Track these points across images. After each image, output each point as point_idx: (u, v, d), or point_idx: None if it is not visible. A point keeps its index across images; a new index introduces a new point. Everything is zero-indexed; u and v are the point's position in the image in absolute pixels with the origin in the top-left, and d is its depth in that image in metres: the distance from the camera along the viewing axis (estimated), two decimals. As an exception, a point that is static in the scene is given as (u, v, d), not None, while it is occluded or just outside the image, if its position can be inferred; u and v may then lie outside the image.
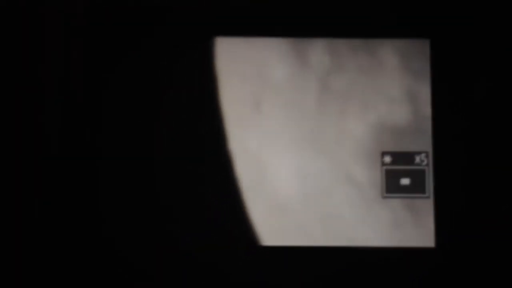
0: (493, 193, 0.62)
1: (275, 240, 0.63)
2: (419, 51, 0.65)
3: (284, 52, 0.66)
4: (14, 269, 0.61)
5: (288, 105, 0.65)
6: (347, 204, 0.63)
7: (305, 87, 0.65)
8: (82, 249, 0.62)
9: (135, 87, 0.64)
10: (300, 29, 0.66)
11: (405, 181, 0.64)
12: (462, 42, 0.65)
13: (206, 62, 0.65)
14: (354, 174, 0.64)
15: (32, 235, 0.61)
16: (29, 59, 0.64)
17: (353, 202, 0.63)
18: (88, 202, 0.62)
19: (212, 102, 0.65)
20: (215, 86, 0.65)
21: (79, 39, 0.65)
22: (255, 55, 0.65)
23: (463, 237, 0.62)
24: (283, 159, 0.64)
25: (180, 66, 0.65)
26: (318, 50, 0.66)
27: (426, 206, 0.63)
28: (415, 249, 0.62)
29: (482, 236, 0.62)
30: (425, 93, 0.65)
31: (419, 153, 0.64)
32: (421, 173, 0.63)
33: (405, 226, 0.63)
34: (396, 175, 0.64)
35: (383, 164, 0.64)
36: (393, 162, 0.64)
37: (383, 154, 0.64)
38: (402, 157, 0.64)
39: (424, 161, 0.64)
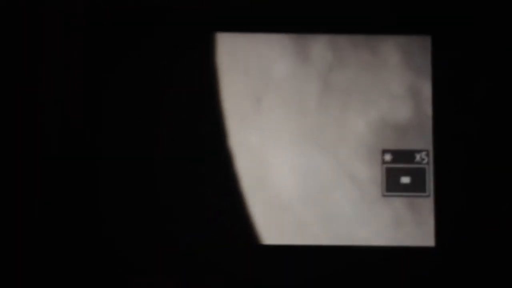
0: (493, 193, 0.62)
1: (275, 239, 0.63)
2: (421, 48, 0.65)
3: (285, 48, 0.65)
4: (14, 269, 0.61)
5: (289, 101, 0.65)
6: (347, 203, 0.63)
7: (306, 84, 0.65)
8: (82, 249, 0.62)
9: (135, 87, 0.64)
10: (301, 25, 0.66)
11: (405, 179, 0.63)
12: (463, 39, 0.64)
13: (206, 58, 0.65)
14: (355, 172, 0.63)
15: (32, 235, 0.62)
16: (29, 59, 0.64)
17: (353, 201, 0.63)
18: (88, 202, 0.63)
19: (213, 99, 0.65)
20: (216, 82, 0.65)
21: (79, 39, 0.65)
22: (256, 51, 0.65)
23: (463, 236, 0.62)
24: (283, 156, 0.64)
25: (180, 62, 0.65)
26: (319, 46, 0.65)
27: (426, 205, 0.63)
28: (415, 248, 0.62)
29: (482, 236, 0.61)
30: (426, 90, 0.64)
31: (419, 151, 0.64)
32: (422, 171, 0.63)
33: (405, 225, 0.63)
34: (397, 173, 0.63)
35: (383, 162, 0.63)
36: (393, 160, 0.63)
37: (384, 152, 0.64)
38: (402, 155, 0.63)
39: (425, 160, 0.63)
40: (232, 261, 0.62)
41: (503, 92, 0.64)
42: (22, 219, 0.62)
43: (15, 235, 0.62)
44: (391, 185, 0.63)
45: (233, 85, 0.65)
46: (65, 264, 0.62)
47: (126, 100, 0.64)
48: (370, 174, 0.63)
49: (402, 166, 0.63)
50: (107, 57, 0.65)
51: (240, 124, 0.64)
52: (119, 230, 0.63)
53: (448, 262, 0.62)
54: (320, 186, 0.63)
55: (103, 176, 0.63)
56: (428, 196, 0.63)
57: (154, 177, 0.63)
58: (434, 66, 0.65)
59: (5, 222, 0.62)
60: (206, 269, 0.62)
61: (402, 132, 0.64)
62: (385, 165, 0.63)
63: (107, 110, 0.64)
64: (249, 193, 0.63)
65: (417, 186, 0.63)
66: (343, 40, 0.65)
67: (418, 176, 0.63)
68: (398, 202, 0.63)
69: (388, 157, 0.64)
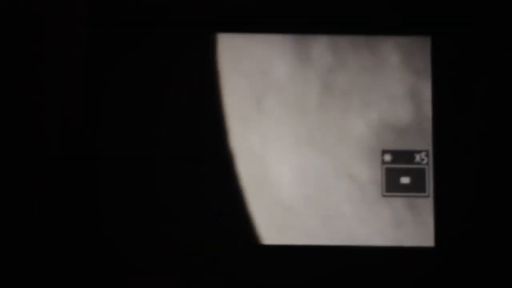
0: (493, 193, 0.62)
1: (275, 239, 0.63)
2: (421, 48, 0.65)
3: (286, 49, 0.65)
4: (14, 269, 0.61)
5: (289, 102, 0.65)
6: (347, 203, 0.63)
7: (306, 84, 0.65)
8: (82, 249, 0.62)
9: (135, 87, 0.64)
10: (302, 26, 0.66)
11: (405, 180, 0.63)
12: (463, 40, 0.64)
13: (207, 59, 0.65)
14: (355, 172, 0.63)
15: (32, 235, 0.62)
16: (29, 59, 0.64)
17: (353, 201, 0.63)
18: (88, 202, 0.63)
19: (213, 99, 0.65)
20: (216, 83, 0.65)
21: (79, 39, 0.65)
22: (257, 52, 0.65)
23: (462, 237, 0.62)
24: (283, 157, 0.64)
25: (180, 62, 0.65)
26: (319, 47, 0.65)
27: (426, 205, 0.63)
28: (414, 248, 0.62)
29: (482, 236, 0.61)
30: (426, 91, 0.64)
31: (419, 151, 0.64)
32: (421, 172, 0.63)
33: (404, 225, 0.63)
34: (396, 173, 0.63)
35: (383, 162, 0.64)
36: (393, 161, 0.63)
37: (384, 152, 0.64)
38: (402, 156, 0.63)
39: (425, 160, 0.63)
40: (232, 261, 0.62)
41: (503, 93, 0.64)
42: (22, 219, 0.62)
43: (15, 235, 0.62)
44: (391, 185, 0.63)
45: (234, 85, 0.65)
46: (65, 264, 0.62)
47: (126, 100, 0.64)
48: (370, 174, 0.63)
49: (402, 167, 0.63)
50: (107, 57, 0.65)
51: (241, 125, 0.64)
52: (119, 230, 0.63)
53: (447, 263, 0.62)
54: (320, 187, 0.63)
55: (103, 176, 0.63)
56: (427, 196, 0.63)
57: (154, 177, 0.63)
58: (434, 66, 0.65)
59: (5, 222, 0.62)
60: (206, 269, 0.62)
61: (402, 132, 0.64)
62: (385, 166, 0.63)
63: (107, 110, 0.64)
64: (249, 193, 0.63)
65: (416, 187, 0.63)
66: (343, 41, 0.65)
67: (417, 177, 0.63)
68: (398, 203, 0.63)
69: (388, 157, 0.64)
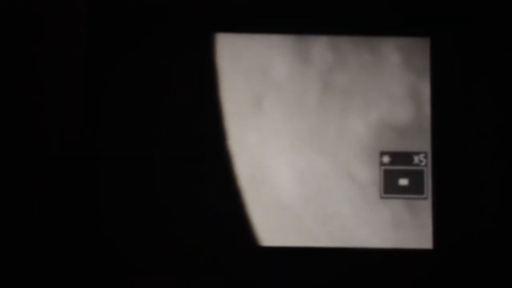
0: (492, 194, 0.62)
1: (274, 240, 0.63)
2: (420, 49, 0.65)
3: (285, 49, 0.65)
4: (14, 269, 0.61)
5: (289, 102, 0.65)
6: (346, 204, 0.63)
7: (306, 85, 0.65)
8: (82, 249, 0.62)
9: (135, 87, 0.65)
10: (302, 26, 0.66)
11: (403, 181, 0.63)
12: (462, 41, 0.64)
13: (206, 59, 0.65)
14: (353, 173, 0.64)
15: (32, 235, 0.62)
16: (29, 59, 0.64)
17: (351, 202, 0.63)
18: (88, 202, 0.63)
19: (213, 99, 0.65)
20: (216, 83, 0.65)
21: (79, 39, 0.65)
22: (256, 52, 0.65)
23: (461, 239, 0.62)
24: (283, 157, 0.64)
25: (180, 62, 0.65)
26: (319, 47, 0.65)
27: (424, 207, 0.63)
28: (413, 250, 0.62)
29: (481, 238, 0.62)
30: (426, 92, 0.64)
31: (418, 153, 0.64)
32: (420, 173, 0.63)
33: (403, 227, 0.63)
34: (395, 175, 0.63)
35: (381, 164, 0.64)
36: (391, 162, 0.64)
37: (382, 154, 0.64)
38: (401, 157, 0.64)
39: (423, 162, 0.63)
40: (232, 263, 0.62)
41: (502, 94, 0.64)
42: (22, 219, 0.62)
43: (15, 235, 0.62)
44: (389, 187, 0.63)
45: (233, 85, 0.65)
46: (65, 264, 0.62)
47: (126, 100, 0.64)
48: (369, 175, 0.63)
49: (401, 168, 0.63)
50: (107, 57, 0.65)
51: (240, 125, 0.64)
52: (119, 230, 0.63)
53: (446, 265, 0.62)
54: (319, 188, 0.63)
55: (103, 176, 0.63)
56: (426, 198, 0.63)
57: (154, 177, 0.63)
58: (433, 67, 0.65)
59: (5, 222, 0.62)
60: (206, 269, 0.62)
61: (400, 133, 0.64)
62: (383, 167, 0.64)
63: (107, 110, 0.64)
64: (249, 194, 0.63)
65: (415, 188, 0.63)
66: (343, 41, 0.65)
67: (416, 178, 0.63)
68: (396, 204, 0.63)
69: (386, 159, 0.64)
